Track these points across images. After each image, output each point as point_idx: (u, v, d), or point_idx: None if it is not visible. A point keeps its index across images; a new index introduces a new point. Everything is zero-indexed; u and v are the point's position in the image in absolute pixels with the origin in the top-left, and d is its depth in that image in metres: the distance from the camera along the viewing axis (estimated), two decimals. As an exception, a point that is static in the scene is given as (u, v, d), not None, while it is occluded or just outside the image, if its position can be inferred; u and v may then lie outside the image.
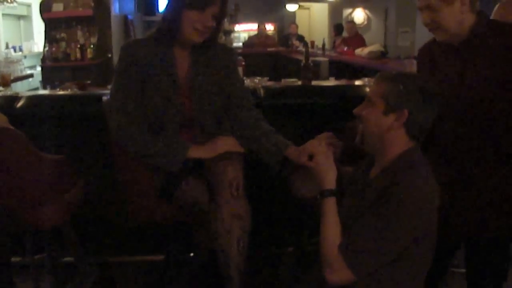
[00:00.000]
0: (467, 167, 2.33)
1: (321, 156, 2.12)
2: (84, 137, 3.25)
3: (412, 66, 4.17)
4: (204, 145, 2.49)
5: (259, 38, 12.08)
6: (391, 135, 1.96)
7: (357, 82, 4.34)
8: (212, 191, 2.43)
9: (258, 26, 12.44)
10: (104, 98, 2.61)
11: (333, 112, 3.43)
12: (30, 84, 7.91)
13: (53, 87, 4.79)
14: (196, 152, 2.45)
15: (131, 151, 2.42)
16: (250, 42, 12.08)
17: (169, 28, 2.40)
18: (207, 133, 2.56)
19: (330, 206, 1.99)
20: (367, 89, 3.54)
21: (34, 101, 3.31)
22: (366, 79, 4.24)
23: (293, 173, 2.43)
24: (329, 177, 2.06)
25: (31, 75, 7.98)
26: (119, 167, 2.61)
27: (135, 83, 2.42)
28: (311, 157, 2.18)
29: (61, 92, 3.68)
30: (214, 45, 2.54)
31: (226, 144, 2.51)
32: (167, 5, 2.44)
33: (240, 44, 12.97)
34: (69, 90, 3.73)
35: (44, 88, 5.58)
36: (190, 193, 2.48)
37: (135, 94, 2.42)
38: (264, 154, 2.45)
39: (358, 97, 3.45)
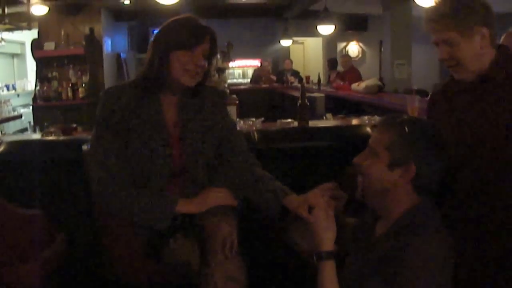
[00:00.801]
0: (489, 220, 2.08)
1: (321, 212, 1.94)
2: (65, 187, 3.03)
3: (414, 103, 3.99)
4: (194, 198, 2.28)
5: (263, 72, 12.08)
6: (396, 191, 1.77)
7: (357, 121, 4.18)
8: (203, 250, 2.20)
9: (261, 64, 12.54)
10: (84, 147, 2.42)
11: (332, 155, 3.25)
12: (23, 123, 7.78)
13: (42, 129, 4.62)
14: (185, 207, 2.23)
15: (113, 209, 2.22)
16: (256, 76, 12.17)
17: (158, 73, 2.21)
18: (198, 185, 2.36)
19: (328, 271, 1.81)
20: (369, 129, 3.37)
21: (11, 147, 3.10)
22: (366, 117, 4.08)
23: (292, 224, 2.22)
24: (327, 237, 1.88)
25: (19, 116, 7.85)
26: (100, 223, 2.40)
27: (118, 134, 2.22)
28: (311, 209, 1.99)
29: (40, 137, 3.48)
30: (203, 87, 2.36)
31: (218, 197, 2.30)
32: (150, 49, 2.26)
33: (235, 81, 12.95)
34: (52, 134, 3.53)
35: (33, 129, 5.41)
36: (179, 252, 2.25)
37: (117, 146, 2.22)
38: (261, 202, 2.26)
39: (359, 138, 3.34)
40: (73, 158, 2.76)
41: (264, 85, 11.64)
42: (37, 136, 3.70)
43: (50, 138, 3.39)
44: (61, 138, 3.30)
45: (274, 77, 12.36)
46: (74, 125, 3.92)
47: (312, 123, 3.89)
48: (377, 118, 4.00)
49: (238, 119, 3.98)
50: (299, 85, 10.80)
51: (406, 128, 1.75)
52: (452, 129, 2.12)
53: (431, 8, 2.09)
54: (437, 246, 1.66)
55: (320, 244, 1.87)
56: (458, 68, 2.09)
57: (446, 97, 2.25)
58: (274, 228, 2.28)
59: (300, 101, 3.73)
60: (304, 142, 3.36)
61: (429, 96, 2.43)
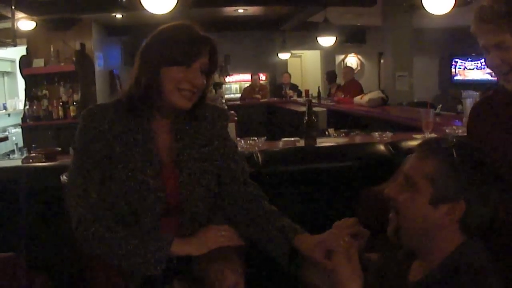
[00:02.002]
0: None
1: (343, 257, 1.64)
2: (45, 221, 2.70)
3: (429, 117, 3.69)
4: (192, 238, 1.93)
5: (253, 89, 11.83)
6: (439, 231, 1.45)
7: (368, 138, 3.87)
8: None
9: (252, 77, 12.17)
10: (63, 177, 2.09)
11: (345, 177, 2.97)
12: (7, 146, 7.49)
13: (29, 151, 4.34)
14: (182, 248, 1.86)
15: (96, 252, 1.86)
16: (244, 96, 11.85)
17: (145, 93, 1.88)
18: (196, 222, 2.02)
19: None
20: (382, 148, 3.07)
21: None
22: (376, 134, 3.77)
23: (306, 264, 1.90)
24: (353, 286, 1.58)
25: (5, 138, 7.55)
26: (86, 267, 2.06)
27: (100, 164, 1.88)
28: (329, 253, 1.69)
29: (18, 164, 3.15)
30: (202, 106, 2.03)
31: (221, 236, 1.93)
32: (137, 62, 1.92)
33: (232, 95, 12.75)
34: (33, 160, 3.20)
35: (21, 151, 5.13)
36: None
37: (100, 178, 1.88)
38: (266, 242, 1.93)
39: (373, 157, 3.08)
40: (55, 188, 2.38)
41: (262, 100, 11.37)
42: (17, 162, 3.36)
43: (29, 164, 3.05)
44: (41, 164, 2.96)
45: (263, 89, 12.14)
46: (59, 148, 3.59)
47: (320, 141, 3.59)
48: (389, 134, 3.71)
49: (238, 139, 3.67)
50: (299, 99, 10.71)
51: (455, 155, 1.42)
52: (499, 145, 1.81)
53: (483, 8, 1.78)
54: None
55: None
56: (511, 76, 1.77)
57: (492, 109, 1.94)
58: (285, 271, 1.94)
59: (306, 117, 3.44)
60: (313, 163, 3.05)
61: (471, 108, 2.11)
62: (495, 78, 2.04)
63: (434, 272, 1.47)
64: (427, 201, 1.44)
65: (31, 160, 3.19)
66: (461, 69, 12.05)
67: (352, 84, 9.91)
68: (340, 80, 10.78)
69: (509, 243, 1.81)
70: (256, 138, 3.58)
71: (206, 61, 1.90)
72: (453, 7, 5.40)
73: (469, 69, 11.64)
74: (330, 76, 11.31)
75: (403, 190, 1.50)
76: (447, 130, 3.84)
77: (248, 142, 3.51)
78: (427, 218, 1.45)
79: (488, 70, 9.84)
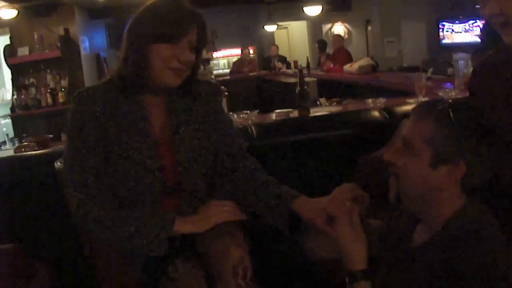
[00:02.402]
0: None
1: (345, 223, 1.60)
2: (44, 210, 2.67)
3: (421, 81, 3.68)
4: (194, 216, 1.90)
5: (243, 62, 11.77)
6: (441, 193, 1.43)
7: (362, 106, 3.84)
8: (211, 279, 1.84)
9: (242, 51, 12.08)
10: (57, 164, 2.06)
11: (341, 146, 2.95)
12: (3, 136, 7.43)
13: (21, 140, 4.31)
14: (185, 226, 1.83)
15: (98, 237, 1.83)
16: (236, 71, 11.75)
17: (134, 72, 1.82)
18: (197, 200, 2.00)
19: None
20: (377, 114, 3.05)
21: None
22: (370, 100, 3.74)
23: (306, 232, 1.88)
24: (359, 253, 1.56)
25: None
26: (88, 251, 2.04)
27: (95, 147, 1.84)
28: (330, 219, 1.65)
29: (9, 154, 3.11)
30: (195, 83, 1.98)
31: (223, 211, 1.90)
32: (124, 42, 1.86)
33: (220, 71, 12.68)
34: (25, 149, 3.16)
35: (12, 141, 5.07)
36: (180, 283, 1.85)
37: (96, 161, 1.84)
38: (265, 211, 1.90)
39: (368, 125, 3.07)
40: (49, 175, 2.34)
41: (251, 74, 11.30)
42: (10, 152, 3.32)
43: (22, 153, 3.02)
44: (34, 153, 2.92)
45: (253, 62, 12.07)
46: (51, 136, 3.55)
47: (313, 111, 3.58)
48: (382, 100, 3.69)
49: (230, 113, 3.63)
50: (288, 70, 10.67)
51: (452, 116, 1.39)
52: (502, 104, 1.78)
53: None
54: (497, 259, 1.33)
55: (351, 262, 1.55)
56: (509, 29, 1.72)
57: (493, 67, 1.90)
58: (287, 241, 1.93)
59: (298, 87, 3.43)
60: (308, 133, 3.03)
61: (474, 67, 2.08)
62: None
63: (438, 234, 1.45)
64: (427, 163, 1.41)
65: (23, 149, 3.16)
66: (449, 32, 11.97)
67: (341, 52, 9.85)
68: (330, 49, 10.72)
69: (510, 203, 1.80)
70: (248, 112, 3.55)
71: (195, 37, 1.83)
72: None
73: (457, 32, 11.57)
74: (321, 44, 11.26)
75: (402, 155, 1.47)
76: (439, 93, 3.84)
77: (241, 116, 3.49)
78: (427, 180, 1.43)
79: (476, 32, 9.82)
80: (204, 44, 1.90)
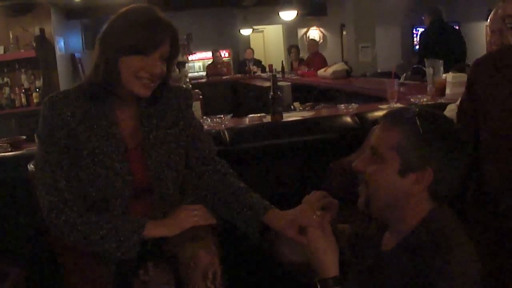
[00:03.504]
0: None
1: (316, 232, 1.63)
2: (15, 211, 2.66)
3: (393, 86, 3.73)
4: (164, 219, 1.93)
5: (216, 65, 11.76)
6: (409, 200, 1.47)
7: (334, 111, 3.89)
8: (180, 283, 1.86)
9: (213, 54, 12.05)
10: (30, 166, 2.06)
11: (313, 151, 2.99)
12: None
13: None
14: (155, 230, 1.86)
15: (69, 240, 1.84)
16: (211, 75, 11.70)
17: (104, 80, 1.82)
18: (167, 203, 2.01)
19: None
20: (349, 120, 3.09)
21: None
22: (342, 106, 3.79)
23: (276, 236, 1.91)
24: (330, 260, 1.59)
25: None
26: (58, 256, 2.05)
27: (66, 152, 1.85)
28: (302, 228, 1.69)
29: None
30: (165, 90, 1.99)
31: (194, 215, 1.92)
32: (96, 49, 1.86)
33: (196, 74, 12.66)
34: (-1, 150, 3.14)
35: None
36: (151, 286, 1.89)
37: (67, 165, 1.86)
38: (237, 220, 1.94)
39: (340, 130, 3.11)
40: (22, 177, 2.33)
41: (225, 77, 11.30)
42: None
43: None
44: (7, 154, 2.90)
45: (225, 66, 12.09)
46: (24, 137, 3.53)
47: (286, 116, 3.61)
48: (354, 106, 3.74)
49: (204, 117, 3.65)
50: (263, 74, 10.69)
51: (419, 124, 1.43)
52: (503, 103, 1.83)
53: None
54: (465, 264, 1.37)
55: (323, 269, 1.58)
56: None
57: (495, 67, 1.94)
58: (257, 246, 1.96)
59: (272, 92, 3.45)
60: (280, 138, 3.06)
61: (472, 66, 2.11)
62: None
63: (406, 240, 1.49)
64: (395, 171, 1.45)
65: (-4, 150, 3.13)
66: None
67: (316, 57, 9.92)
68: (303, 54, 10.77)
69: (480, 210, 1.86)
70: (222, 116, 3.57)
71: (167, 49, 1.83)
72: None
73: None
74: (294, 49, 11.33)
75: (371, 163, 1.51)
76: (411, 99, 3.89)
77: (215, 120, 3.50)
78: (396, 188, 1.46)
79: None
80: (176, 55, 1.90)
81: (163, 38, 1.81)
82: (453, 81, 4.07)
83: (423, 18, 7.21)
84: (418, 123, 1.44)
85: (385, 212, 1.54)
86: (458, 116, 2.10)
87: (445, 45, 6.34)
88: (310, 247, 1.62)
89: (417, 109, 1.51)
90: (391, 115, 1.53)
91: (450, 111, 2.78)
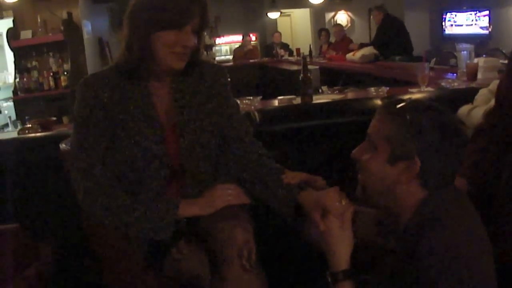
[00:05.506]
0: None
1: (335, 221, 1.64)
2: (47, 191, 2.68)
3: (424, 71, 3.68)
4: (199, 198, 1.91)
5: (242, 49, 11.71)
6: (400, 189, 1.49)
7: (364, 94, 3.84)
8: (214, 261, 1.86)
9: (243, 37, 12.05)
10: (62, 145, 2.07)
11: (342, 133, 2.95)
12: (6, 118, 7.42)
13: (23, 123, 4.37)
14: (189, 210, 1.85)
15: (105, 223, 1.84)
16: (237, 58, 11.65)
17: (139, 58, 1.83)
18: (201, 183, 2.00)
19: None
20: (379, 102, 3.05)
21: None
22: (372, 89, 3.73)
23: (308, 219, 1.89)
24: (342, 253, 1.59)
25: (-4, 112, 7.49)
26: (91, 232, 2.05)
27: (102, 134, 1.86)
28: (323, 213, 1.68)
29: (12, 136, 3.11)
30: (198, 65, 1.98)
31: (228, 194, 1.92)
32: (126, 29, 1.86)
33: (223, 57, 12.63)
34: (29, 131, 3.16)
35: (14, 124, 5.08)
36: (184, 264, 1.88)
37: (103, 148, 1.86)
38: (272, 200, 1.92)
39: (370, 112, 3.05)
40: (54, 157, 2.36)
41: (252, 60, 11.25)
42: (13, 134, 3.33)
43: (26, 135, 3.02)
44: (39, 134, 2.93)
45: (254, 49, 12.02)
46: (54, 118, 3.56)
47: (316, 98, 3.58)
48: (385, 89, 3.68)
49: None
50: (290, 58, 10.64)
51: (408, 117, 1.46)
52: None
53: None
54: (458, 236, 1.38)
55: (333, 261, 1.58)
56: None
57: None
58: (291, 228, 1.95)
59: (302, 74, 3.42)
60: (311, 120, 3.04)
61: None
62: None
63: (405, 229, 1.51)
64: (385, 160, 1.49)
65: (27, 131, 3.16)
66: (451, 23, 11.92)
67: (344, 41, 9.83)
68: (332, 38, 10.68)
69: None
70: (251, 97, 3.56)
71: (197, 21, 1.84)
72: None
73: (459, 23, 11.51)
74: (324, 33, 11.23)
75: (366, 151, 1.55)
76: (442, 83, 3.84)
77: (244, 101, 3.49)
78: (386, 176, 1.50)
79: (482, 24, 9.77)
80: (206, 26, 1.90)
81: (193, 11, 1.81)
82: (485, 66, 4.03)
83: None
84: (408, 114, 1.47)
85: (379, 199, 1.56)
86: (497, 97, 2.07)
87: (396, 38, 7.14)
88: (325, 235, 1.62)
89: (411, 100, 1.56)
90: (385, 106, 1.57)
91: (482, 95, 2.76)
